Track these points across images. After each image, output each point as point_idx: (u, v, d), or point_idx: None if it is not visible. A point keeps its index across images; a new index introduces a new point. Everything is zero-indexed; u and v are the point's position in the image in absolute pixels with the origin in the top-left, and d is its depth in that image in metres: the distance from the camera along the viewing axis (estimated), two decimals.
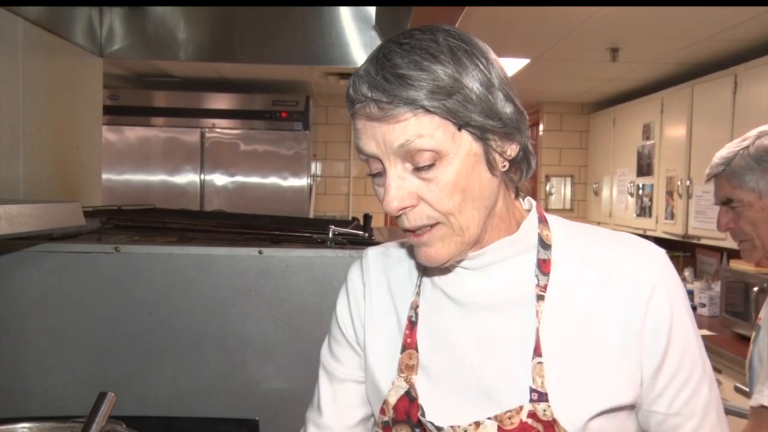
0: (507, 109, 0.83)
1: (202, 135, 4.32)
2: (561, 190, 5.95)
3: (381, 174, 0.84)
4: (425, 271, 0.97)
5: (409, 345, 0.94)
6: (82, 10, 2.00)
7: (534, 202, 0.96)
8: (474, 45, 0.83)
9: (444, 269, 0.93)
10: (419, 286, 0.97)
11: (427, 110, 0.79)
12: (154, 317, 1.50)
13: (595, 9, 3.05)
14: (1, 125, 1.56)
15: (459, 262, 0.91)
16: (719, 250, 4.16)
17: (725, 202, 1.58)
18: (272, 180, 4.35)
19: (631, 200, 4.86)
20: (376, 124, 0.81)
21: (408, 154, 0.81)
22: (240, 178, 4.35)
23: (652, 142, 4.54)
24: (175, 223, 1.87)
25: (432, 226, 0.84)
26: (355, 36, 2.13)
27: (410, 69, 0.78)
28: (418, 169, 0.81)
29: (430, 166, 0.81)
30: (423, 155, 0.80)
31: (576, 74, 4.59)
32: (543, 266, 0.90)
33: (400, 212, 0.83)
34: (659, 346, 0.86)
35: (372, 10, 2.11)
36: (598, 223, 5.21)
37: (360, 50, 2.13)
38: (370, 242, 1.61)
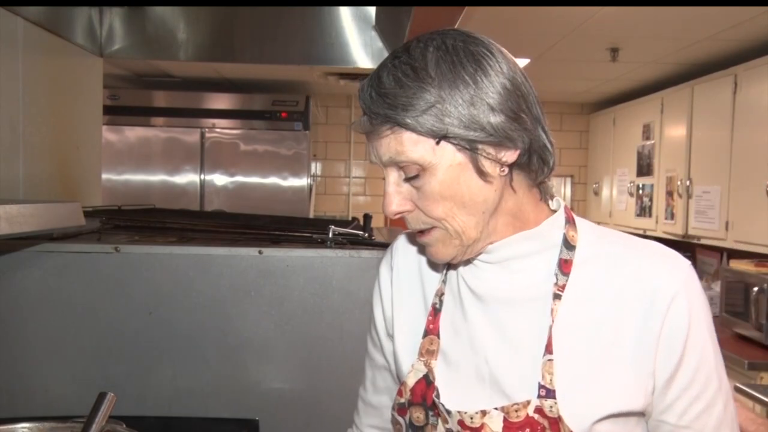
0: (493, 119, 0.82)
1: (202, 135, 4.32)
2: (561, 190, 5.96)
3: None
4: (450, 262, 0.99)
5: (431, 331, 0.97)
6: (82, 10, 2.00)
7: (563, 203, 0.97)
8: (470, 54, 0.83)
9: (466, 262, 0.95)
10: (446, 274, 0.99)
11: (403, 127, 0.83)
12: (154, 317, 1.50)
13: (595, 9, 3.05)
14: (1, 125, 1.56)
15: (474, 257, 0.93)
16: (719, 250, 4.16)
17: None
18: (272, 180, 4.35)
19: (631, 200, 4.86)
20: (369, 137, 0.88)
21: (397, 166, 0.87)
22: (240, 178, 4.35)
23: (652, 142, 4.54)
24: (175, 223, 1.87)
25: (431, 229, 0.89)
26: (355, 36, 2.13)
27: (391, 87, 0.83)
28: (407, 179, 0.87)
29: (416, 176, 0.86)
30: (409, 167, 0.85)
31: (576, 74, 4.59)
32: (564, 266, 0.91)
33: (399, 216, 0.90)
34: (674, 356, 0.86)
35: (372, 10, 2.11)
36: (599, 223, 5.20)
37: (360, 50, 2.13)
38: (370, 242, 1.61)
